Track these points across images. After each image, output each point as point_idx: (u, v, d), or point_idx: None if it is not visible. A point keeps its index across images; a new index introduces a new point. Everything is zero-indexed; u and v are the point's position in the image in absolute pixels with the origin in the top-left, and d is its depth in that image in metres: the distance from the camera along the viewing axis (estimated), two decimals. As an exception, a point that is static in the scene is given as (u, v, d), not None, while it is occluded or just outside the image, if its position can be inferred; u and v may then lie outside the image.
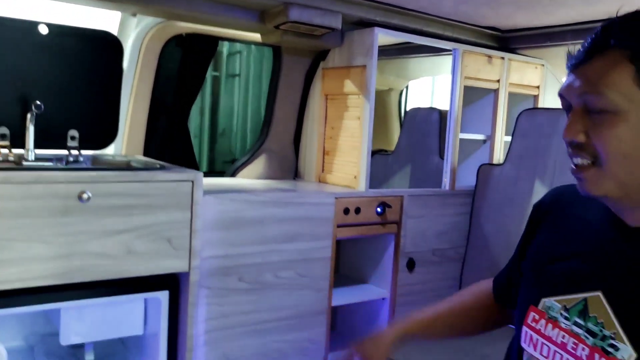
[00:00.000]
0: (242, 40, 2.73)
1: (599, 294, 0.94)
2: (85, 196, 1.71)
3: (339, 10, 2.39)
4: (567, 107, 0.97)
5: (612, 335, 0.90)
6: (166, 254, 1.90)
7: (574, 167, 0.96)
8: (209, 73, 4.12)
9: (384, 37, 2.55)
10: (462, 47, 2.76)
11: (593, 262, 0.99)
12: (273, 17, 2.34)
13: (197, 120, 4.19)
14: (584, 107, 0.92)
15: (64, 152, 2.22)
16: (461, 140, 2.86)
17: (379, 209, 2.56)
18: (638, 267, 0.92)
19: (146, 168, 1.92)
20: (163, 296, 1.99)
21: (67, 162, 2.20)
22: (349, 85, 2.59)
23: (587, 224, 1.04)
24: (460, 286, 2.88)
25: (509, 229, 2.67)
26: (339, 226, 2.45)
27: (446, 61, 3.31)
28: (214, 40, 2.67)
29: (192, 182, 1.93)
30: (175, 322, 2.04)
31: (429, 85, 4.76)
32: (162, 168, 1.96)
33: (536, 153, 2.62)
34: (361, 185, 2.55)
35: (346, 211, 2.46)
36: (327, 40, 2.59)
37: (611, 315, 0.91)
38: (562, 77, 3.38)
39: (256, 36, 2.66)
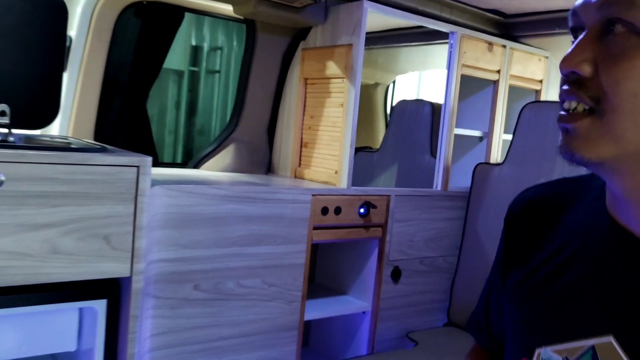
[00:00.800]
0: (211, 13, 2.39)
1: (610, 339, 0.66)
2: (-4, 179, 1.35)
3: (324, -23, 2.07)
4: (576, 29, 0.70)
5: None
6: (103, 255, 1.55)
7: (564, 114, 0.68)
8: (186, 67, 3.92)
9: (373, 17, 2.23)
10: (461, 30, 2.45)
11: (598, 294, 0.69)
12: (246, -19, 2.01)
13: (172, 114, 3.94)
14: (600, 27, 0.65)
15: (-9, 130, 1.86)
16: (455, 136, 2.55)
17: (362, 210, 2.23)
18: None
19: (80, 149, 1.56)
20: (100, 306, 1.64)
21: (-7, 142, 1.84)
22: (332, 68, 2.27)
23: (583, 239, 0.75)
24: (450, 300, 2.57)
25: (508, 237, 2.36)
26: (315, 228, 2.12)
27: (438, 52, 3.01)
28: (180, 10, 2.33)
29: (138, 168, 1.58)
30: (114, 337, 1.69)
31: (416, 80, 4.48)
32: (101, 150, 1.61)
33: (542, 152, 2.32)
34: (343, 181, 2.22)
35: (324, 211, 2.13)
36: (308, 14, 2.26)
37: None
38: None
39: (228, 8, 2.32)
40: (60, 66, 1.96)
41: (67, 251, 1.49)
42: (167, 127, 3.91)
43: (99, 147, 1.66)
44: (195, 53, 4.04)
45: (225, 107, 4.12)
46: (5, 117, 1.87)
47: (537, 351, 0.73)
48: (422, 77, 4.42)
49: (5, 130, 1.86)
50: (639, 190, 0.66)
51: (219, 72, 4.10)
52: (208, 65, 4.09)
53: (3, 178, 1.37)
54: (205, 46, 4.09)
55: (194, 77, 4.03)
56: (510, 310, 0.82)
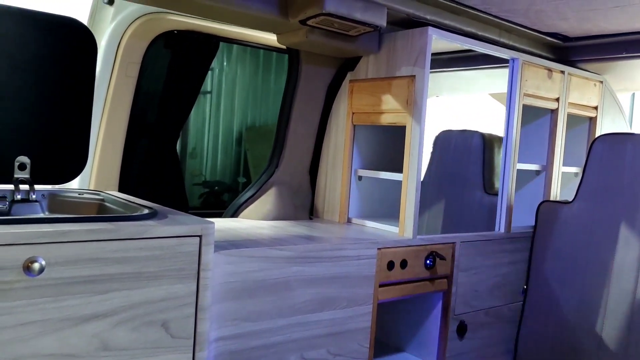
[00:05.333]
0: (250, 42, 2.14)
1: None
2: (36, 266, 1.07)
3: (385, 3, 1.83)
4: None
5: None
6: (160, 347, 1.27)
7: None
8: None
9: (435, 43, 1.99)
10: (522, 56, 2.22)
11: None
12: (300, 8, 1.76)
13: None
14: None
15: (10, 187, 1.57)
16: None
17: (428, 262, 1.98)
18: None
19: (131, 217, 1.29)
20: (151, 402, 1.36)
21: (13, 203, 1.56)
22: (390, 102, 2.02)
23: None
24: (515, 352, 2.31)
25: (583, 284, 2.12)
26: (381, 285, 1.86)
27: (480, 77, 2.79)
28: (215, 39, 2.07)
29: (200, 237, 1.31)
30: None
31: (438, 104, 4.26)
32: (153, 214, 1.34)
33: (620, 188, 2.09)
34: (407, 231, 1.96)
35: (390, 265, 1.87)
36: (361, 43, 2.02)
37: None
38: (622, 96, 2.89)
39: (269, 37, 2.07)
40: (89, 109, 1.68)
41: (120, 346, 1.21)
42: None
43: (148, 210, 1.39)
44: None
45: (217, 128, 3.94)
46: (25, 172, 1.59)
47: None
48: (442, 101, 4.21)
49: (27, 187, 1.58)
50: None
51: (210, 92, 3.92)
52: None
53: (44, 263, 1.10)
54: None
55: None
56: None
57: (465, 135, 2.69)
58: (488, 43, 2.15)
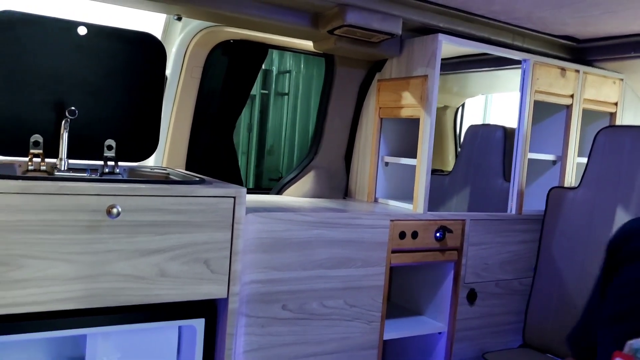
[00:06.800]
0: (293, 49, 2.56)
1: None
2: (115, 211, 1.53)
3: (400, 14, 2.18)
4: None
5: None
6: (203, 278, 1.70)
7: None
8: (258, 90, 4.14)
9: (447, 47, 2.32)
10: (533, 57, 2.50)
11: None
12: (327, 20, 2.15)
13: (245, 136, 4.16)
14: None
15: (100, 163, 2.07)
16: (529, 160, 2.59)
17: (438, 234, 2.31)
18: None
19: (184, 181, 1.73)
20: (199, 325, 1.79)
21: (102, 174, 2.04)
22: (408, 98, 2.37)
23: None
24: (525, 322, 2.59)
25: (583, 260, 2.38)
26: (393, 251, 2.22)
27: (507, 75, 3.06)
28: (264, 48, 2.50)
29: (234, 198, 1.73)
30: (211, 353, 1.84)
31: (483, 103, 4.51)
32: (201, 182, 1.77)
33: (618, 177, 2.33)
34: (419, 207, 2.31)
35: (402, 235, 2.23)
36: (384, 48, 2.38)
37: None
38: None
39: (308, 44, 2.47)
40: (160, 103, 2.16)
41: (174, 274, 1.65)
42: (240, 148, 4.12)
43: (198, 179, 1.83)
44: (265, 77, 4.26)
45: (294, 127, 4.32)
46: (112, 151, 2.08)
47: (628, 343, 0.82)
48: (491, 100, 4.45)
49: (112, 163, 2.07)
50: None
51: (287, 94, 4.29)
52: (277, 88, 4.30)
53: (120, 209, 1.55)
54: (274, 70, 4.31)
55: (263, 100, 4.24)
56: (608, 313, 0.91)
57: (489, 129, 2.98)
58: (502, 47, 2.45)
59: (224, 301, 1.77)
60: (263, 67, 4.20)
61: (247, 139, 4.22)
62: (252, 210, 1.90)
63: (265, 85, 4.29)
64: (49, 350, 2.08)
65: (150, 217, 1.60)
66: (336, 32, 2.17)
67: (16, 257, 1.44)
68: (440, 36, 2.24)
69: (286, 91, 4.28)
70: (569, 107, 2.69)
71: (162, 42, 2.21)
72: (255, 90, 4.22)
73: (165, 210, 1.63)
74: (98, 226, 1.53)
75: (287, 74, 4.31)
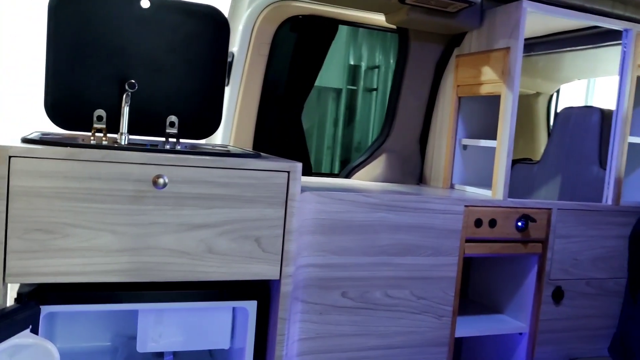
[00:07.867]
0: (364, 24, 2.41)
1: None
2: (161, 181, 1.46)
3: (479, -21, 1.99)
4: None
5: None
6: (253, 257, 1.60)
7: None
8: (345, 86, 4.07)
9: (535, 20, 2.09)
10: (636, 27, 2.21)
11: None
12: (398, -12, 1.99)
13: (330, 131, 4.10)
14: None
15: (162, 139, 2.03)
16: (629, 145, 2.29)
17: (519, 224, 2.09)
18: None
19: (235, 154, 1.64)
20: (251, 307, 1.70)
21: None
22: (488, 73, 2.16)
23: None
24: (619, 327, 2.30)
25: (695, 259, 2.07)
26: (467, 240, 2.02)
27: (609, 56, 2.75)
28: (334, 23, 2.38)
29: (288, 173, 1.62)
30: (263, 338, 1.74)
31: (584, 90, 4.14)
32: (255, 156, 1.68)
33: None
34: (498, 193, 2.10)
35: (478, 223, 2.03)
36: (462, 19, 2.18)
37: None
38: None
39: (380, 19, 2.32)
40: (222, 80, 2.08)
41: (221, 251, 1.56)
42: (325, 143, 4.05)
43: (253, 153, 1.73)
44: (354, 72, 4.17)
45: (382, 123, 4.18)
46: (174, 128, 2.03)
47: None
48: (592, 87, 4.08)
49: (174, 140, 2.02)
50: None
51: (376, 89, 4.17)
52: (366, 84, 4.19)
53: (167, 180, 1.48)
54: (363, 65, 4.19)
55: (351, 95, 4.15)
56: None
57: (584, 111, 2.68)
58: (598, 15, 2.19)
59: (277, 283, 1.66)
60: (351, 62, 4.11)
61: (333, 133, 4.14)
62: (312, 189, 1.78)
63: (354, 81, 4.20)
64: (110, 327, 2.07)
65: (198, 189, 1.53)
66: (408, 0, 2.01)
67: (61, 225, 1.41)
68: (525, 3, 2.02)
69: (375, 87, 4.16)
70: (679, 86, 2.37)
71: (229, 18, 2.15)
72: (342, 84, 4.14)
73: (214, 182, 1.54)
74: (143, 197, 1.47)
75: (376, 70, 4.19)
